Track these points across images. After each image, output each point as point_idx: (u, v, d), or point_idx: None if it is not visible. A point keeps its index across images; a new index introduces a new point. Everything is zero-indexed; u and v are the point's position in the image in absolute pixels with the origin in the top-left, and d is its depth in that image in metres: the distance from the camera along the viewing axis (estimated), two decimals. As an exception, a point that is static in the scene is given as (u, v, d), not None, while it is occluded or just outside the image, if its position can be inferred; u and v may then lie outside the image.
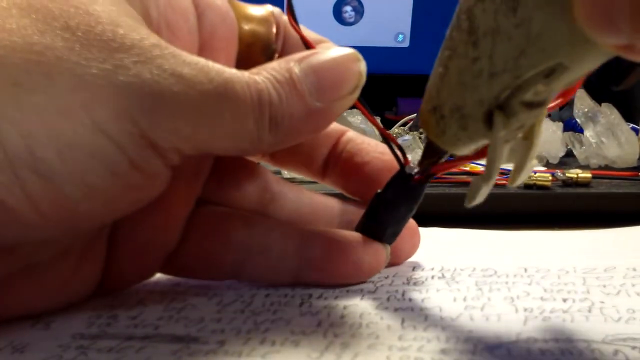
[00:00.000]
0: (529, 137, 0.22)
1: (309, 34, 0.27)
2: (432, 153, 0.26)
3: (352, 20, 0.91)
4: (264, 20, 0.27)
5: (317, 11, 0.88)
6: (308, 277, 0.27)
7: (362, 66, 0.25)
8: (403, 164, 0.27)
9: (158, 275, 0.28)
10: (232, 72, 0.23)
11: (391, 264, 0.30)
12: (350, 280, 0.28)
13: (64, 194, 0.21)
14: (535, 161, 0.23)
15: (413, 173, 0.27)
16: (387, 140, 0.28)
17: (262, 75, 0.23)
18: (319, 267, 0.27)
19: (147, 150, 0.22)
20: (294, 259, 0.27)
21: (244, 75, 0.23)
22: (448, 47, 0.22)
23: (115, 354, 0.21)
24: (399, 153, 0.27)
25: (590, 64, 0.20)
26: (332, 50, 0.25)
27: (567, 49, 0.19)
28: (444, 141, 0.23)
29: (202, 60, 0.23)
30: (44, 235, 0.23)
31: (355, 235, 0.28)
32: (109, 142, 0.21)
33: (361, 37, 0.89)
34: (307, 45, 0.26)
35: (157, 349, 0.22)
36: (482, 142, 0.23)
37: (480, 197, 0.23)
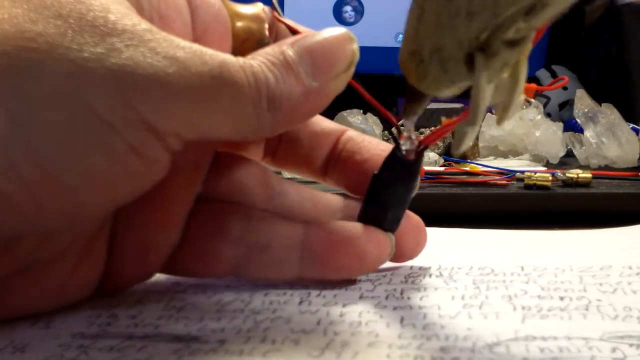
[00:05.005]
0: (514, 73, 0.22)
1: (298, 26, 0.28)
2: (414, 98, 0.25)
3: (352, 20, 0.91)
4: (256, 17, 0.28)
5: (317, 11, 0.88)
6: (311, 270, 0.27)
7: (355, 44, 0.26)
8: (398, 140, 0.27)
9: (157, 275, 0.28)
10: (226, 56, 0.23)
11: (397, 260, 0.30)
12: (353, 273, 0.28)
13: (61, 181, 0.21)
14: (522, 97, 0.23)
15: (407, 148, 0.27)
16: (382, 116, 0.28)
17: (256, 59, 0.24)
18: (322, 260, 0.27)
19: (146, 134, 0.22)
20: (296, 253, 0.27)
21: (239, 59, 0.23)
22: None
23: (116, 353, 0.21)
24: (394, 130, 0.27)
25: None
26: (324, 32, 0.25)
27: None
28: (426, 85, 0.23)
29: (195, 45, 0.23)
30: (44, 227, 0.23)
31: (358, 226, 0.28)
32: (105, 126, 0.21)
33: (361, 37, 0.89)
34: (296, 33, 0.27)
35: (158, 348, 0.22)
36: (464, 84, 0.22)
37: (467, 143, 0.23)
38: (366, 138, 0.30)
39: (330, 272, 0.28)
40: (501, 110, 0.23)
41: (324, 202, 0.30)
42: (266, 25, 0.28)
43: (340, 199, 0.30)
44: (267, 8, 0.29)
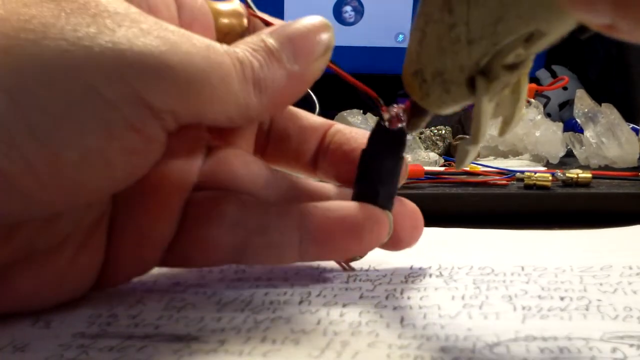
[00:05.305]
0: (515, 90, 0.23)
1: (271, 19, 0.29)
2: (418, 113, 0.26)
3: (352, 20, 0.91)
4: (236, 13, 0.29)
5: (317, 11, 0.88)
6: (311, 252, 0.27)
7: (331, 30, 0.27)
8: (381, 111, 0.28)
9: (157, 274, 0.28)
10: (211, 41, 0.24)
11: (395, 247, 0.30)
12: (353, 251, 0.28)
13: (61, 158, 0.21)
14: (524, 111, 0.23)
15: (391, 117, 0.27)
16: (363, 91, 0.28)
17: (239, 47, 0.25)
18: (321, 240, 0.27)
19: (143, 110, 0.22)
20: (294, 234, 0.27)
21: (223, 46, 0.24)
22: (423, 13, 0.22)
23: (116, 353, 0.21)
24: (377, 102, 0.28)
25: (568, 27, 0.20)
26: (301, 20, 0.27)
27: (544, 15, 0.19)
28: (428, 103, 0.23)
29: (182, 30, 0.23)
30: (47, 209, 0.23)
31: (354, 204, 0.28)
32: (103, 103, 0.21)
33: (361, 37, 0.90)
34: (269, 25, 0.28)
35: (158, 348, 0.22)
36: (466, 102, 0.23)
37: (468, 160, 0.24)
38: (353, 130, 0.31)
39: (330, 253, 0.28)
40: (503, 124, 0.23)
41: (318, 191, 0.30)
42: (245, 20, 0.29)
43: (333, 187, 0.30)
44: (242, 4, 0.29)
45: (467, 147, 0.23)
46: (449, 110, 0.24)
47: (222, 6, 0.29)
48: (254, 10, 0.29)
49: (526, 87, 0.23)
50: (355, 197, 0.28)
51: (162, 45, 0.22)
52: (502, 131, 0.24)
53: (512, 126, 0.23)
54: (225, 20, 0.29)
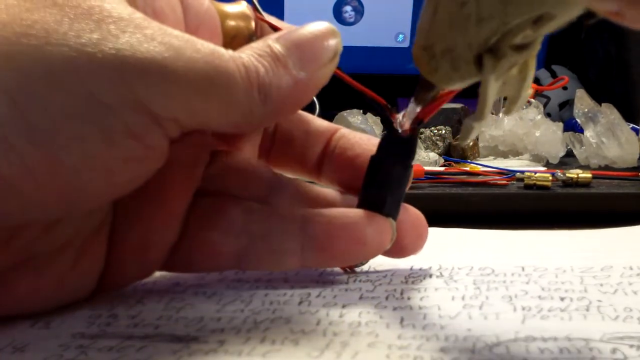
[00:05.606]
0: (522, 70, 0.23)
1: (279, 23, 0.29)
2: (425, 88, 0.26)
3: (352, 20, 0.91)
4: (243, 15, 0.29)
5: (317, 11, 0.88)
6: (313, 259, 0.27)
7: (338, 37, 0.27)
8: (391, 119, 0.28)
9: (157, 275, 0.28)
10: (216, 46, 0.24)
11: (399, 255, 0.30)
12: (356, 258, 0.28)
13: (61, 163, 0.21)
14: (530, 91, 0.24)
15: (401, 124, 0.27)
16: (371, 98, 0.28)
17: (245, 52, 0.24)
18: (323, 247, 0.27)
19: (144, 117, 0.22)
20: (297, 240, 0.27)
21: (228, 51, 0.24)
22: None
23: (115, 354, 0.21)
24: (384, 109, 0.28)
25: (576, 12, 0.20)
26: (308, 26, 0.26)
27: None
28: (436, 79, 0.24)
29: (187, 35, 0.23)
30: (47, 213, 0.23)
31: (357, 211, 0.28)
32: (103, 109, 0.21)
33: (361, 37, 0.90)
34: (276, 30, 0.28)
35: (158, 348, 0.22)
36: (474, 80, 0.23)
37: (473, 136, 0.24)
38: (358, 134, 0.31)
39: (332, 259, 0.28)
40: (509, 103, 0.24)
41: (322, 196, 0.30)
42: (253, 23, 0.29)
43: (338, 194, 0.30)
44: (249, 6, 0.29)
45: (472, 123, 0.23)
46: (456, 86, 0.24)
47: (229, 9, 0.29)
48: (261, 14, 0.29)
49: (533, 68, 0.23)
50: (362, 204, 0.28)
51: (165, 51, 0.22)
52: (508, 110, 0.24)
53: (518, 106, 0.24)
54: (232, 23, 0.28)
